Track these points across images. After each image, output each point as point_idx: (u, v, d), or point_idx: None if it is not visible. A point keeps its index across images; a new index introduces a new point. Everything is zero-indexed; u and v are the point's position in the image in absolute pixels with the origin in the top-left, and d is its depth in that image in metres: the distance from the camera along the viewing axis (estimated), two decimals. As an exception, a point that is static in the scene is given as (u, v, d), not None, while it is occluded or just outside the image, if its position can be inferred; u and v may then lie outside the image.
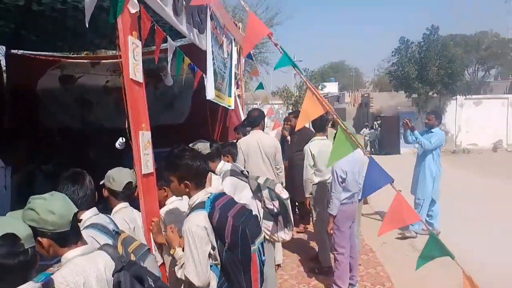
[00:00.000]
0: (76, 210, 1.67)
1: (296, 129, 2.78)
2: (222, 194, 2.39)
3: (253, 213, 2.39)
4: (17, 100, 6.94)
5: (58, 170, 4.88)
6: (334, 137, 4.42)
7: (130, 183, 2.50)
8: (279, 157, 4.69)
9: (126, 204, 2.51)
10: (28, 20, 5.25)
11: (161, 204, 2.66)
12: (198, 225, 2.14)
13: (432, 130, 6.35)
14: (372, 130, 21.37)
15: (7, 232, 1.31)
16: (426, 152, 6.34)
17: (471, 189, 10.37)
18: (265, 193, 3.33)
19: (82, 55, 8.71)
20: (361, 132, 20.29)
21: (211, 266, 2.20)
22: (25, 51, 7.11)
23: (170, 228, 2.38)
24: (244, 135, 5.92)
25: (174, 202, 2.67)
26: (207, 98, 4.42)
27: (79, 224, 1.73)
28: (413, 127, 6.21)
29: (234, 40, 5.98)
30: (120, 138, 5.20)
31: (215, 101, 4.87)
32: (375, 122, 21.99)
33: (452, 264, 2.07)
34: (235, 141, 4.86)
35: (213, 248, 2.19)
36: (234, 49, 5.99)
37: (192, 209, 2.26)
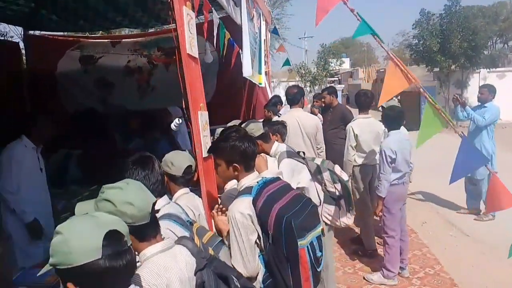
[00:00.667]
0: (154, 199, 1.51)
1: (380, 104, 2.54)
2: (275, 179, 2.15)
3: (311, 203, 2.11)
4: (36, 82, 6.78)
5: (89, 155, 4.75)
6: (383, 116, 4.23)
7: (190, 167, 2.32)
8: (320, 136, 4.48)
9: (187, 189, 2.33)
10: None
11: (219, 189, 2.49)
12: (242, 213, 1.95)
13: (486, 104, 5.95)
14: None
15: (109, 229, 1.13)
16: (479, 129, 5.88)
17: (503, 165, 10.07)
18: (326, 175, 3.14)
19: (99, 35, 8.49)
20: (379, 108, 19.83)
21: (259, 255, 2.03)
22: (43, 32, 6.91)
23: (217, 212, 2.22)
24: (275, 113, 5.72)
25: (231, 184, 2.49)
26: (244, 75, 4.20)
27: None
28: (464, 103, 5.87)
29: (262, 14, 5.70)
30: (177, 119, 5.05)
31: (249, 79, 4.67)
32: (394, 98, 21.49)
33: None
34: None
35: (258, 237, 2.00)
36: (263, 23, 5.71)
37: (239, 194, 2.07)
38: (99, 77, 6.91)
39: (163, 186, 1.94)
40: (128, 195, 1.42)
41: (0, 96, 6.25)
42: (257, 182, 2.03)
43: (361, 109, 4.85)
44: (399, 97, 21.10)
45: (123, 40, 6.98)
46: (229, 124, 4.49)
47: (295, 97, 4.45)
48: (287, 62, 6.90)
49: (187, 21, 2.21)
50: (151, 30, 7.16)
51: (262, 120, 4.86)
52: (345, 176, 3.12)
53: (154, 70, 6.97)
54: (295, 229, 1.88)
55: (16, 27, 8.09)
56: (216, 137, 5.24)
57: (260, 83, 5.44)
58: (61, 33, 7.01)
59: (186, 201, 2.23)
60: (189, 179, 2.34)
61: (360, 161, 4.71)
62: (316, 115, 6.50)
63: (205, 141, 2.28)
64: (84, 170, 4.77)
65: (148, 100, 6.95)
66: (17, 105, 6.48)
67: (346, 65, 39.72)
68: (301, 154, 3.09)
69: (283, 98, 6.30)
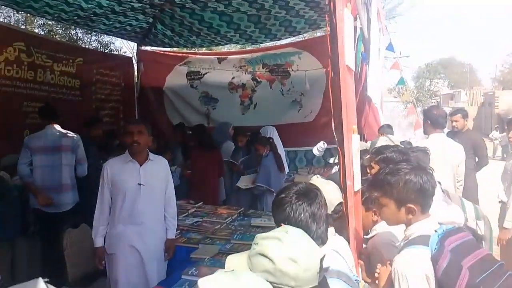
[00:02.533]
0: (321, 253, 1.17)
1: None
2: (457, 229, 1.66)
3: (505, 269, 1.55)
4: (146, 96, 7.09)
5: (196, 168, 4.68)
6: None
7: (340, 204, 1.94)
8: (462, 169, 3.84)
9: (332, 229, 1.96)
10: (166, 13, 5.19)
11: (366, 230, 2.10)
12: (416, 271, 1.51)
13: None
14: (504, 134, 18.75)
15: None
16: None
17: None
18: (469, 209, 2.62)
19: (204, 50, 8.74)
20: (490, 135, 17.90)
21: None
22: (154, 48, 7.24)
23: (381, 266, 1.79)
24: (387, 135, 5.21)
25: (383, 228, 2.07)
26: (368, 93, 3.82)
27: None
28: None
29: (381, 28, 5.27)
30: (321, 143, 4.87)
31: (371, 97, 4.28)
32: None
33: None
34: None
35: None
36: (382, 38, 5.28)
37: (408, 243, 1.63)
38: (204, 92, 7.02)
39: (327, 229, 1.59)
40: (290, 248, 1.11)
41: (113, 108, 6.64)
42: (435, 231, 1.59)
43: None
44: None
45: (229, 56, 7.03)
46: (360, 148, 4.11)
47: (437, 120, 3.86)
48: (401, 81, 6.33)
49: (347, 27, 1.88)
50: (280, 42, 7.07)
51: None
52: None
53: (257, 87, 6.91)
54: None
55: (129, 42, 8.70)
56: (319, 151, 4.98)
57: (375, 102, 5.03)
58: (171, 49, 7.28)
59: (333, 246, 1.86)
60: (336, 219, 1.96)
61: (504, 197, 3.97)
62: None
63: (357, 171, 1.93)
64: (191, 185, 4.72)
65: (249, 116, 6.90)
66: (127, 117, 6.81)
67: (441, 85, 37.08)
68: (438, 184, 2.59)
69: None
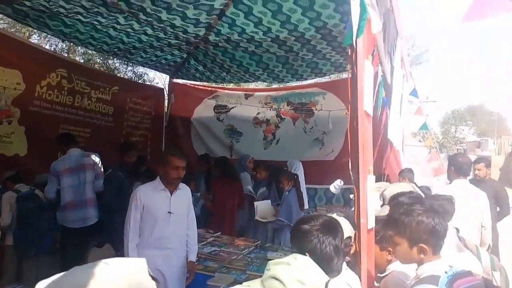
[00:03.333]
0: (326, 278, 1.30)
1: None
2: (467, 273, 1.71)
3: None
4: (175, 126, 7.38)
5: (217, 200, 4.80)
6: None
7: (349, 238, 2.06)
8: (487, 217, 3.78)
9: (344, 263, 2.04)
10: (200, 50, 5.50)
11: (381, 269, 2.15)
12: None
13: None
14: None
15: None
16: None
17: None
18: (485, 259, 2.61)
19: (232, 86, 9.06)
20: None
21: None
22: (185, 80, 7.59)
23: None
24: (411, 181, 5.21)
25: (398, 268, 2.12)
26: (388, 136, 3.92)
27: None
28: None
29: (405, 74, 5.42)
30: (338, 181, 5.01)
31: (391, 140, 4.37)
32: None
33: None
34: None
35: None
36: (406, 84, 5.41)
37: (418, 282, 1.69)
38: (230, 125, 7.27)
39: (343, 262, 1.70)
40: (298, 272, 1.25)
41: (142, 135, 6.93)
42: (446, 272, 1.65)
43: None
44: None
45: (256, 93, 7.31)
46: (377, 186, 4.17)
47: (462, 167, 3.88)
48: (424, 126, 6.39)
49: (367, 76, 2.04)
50: (305, 82, 7.30)
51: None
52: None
53: (281, 123, 7.11)
54: None
55: (162, 74, 9.11)
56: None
57: (396, 145, 5.09)
58: (201, 83, 7.62)
59: (345, 278, 1.94)
60: (346, 253, 2.05)
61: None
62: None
63: (371, 209, 2.02)
64: (211, 214, 4.82)
65: (271, 151, 7.07)
66: (155, 145, 7.08)
67: (467, 132, 36.50)
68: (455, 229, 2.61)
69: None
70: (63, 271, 0.91)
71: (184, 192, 3.15)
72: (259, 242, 4.28)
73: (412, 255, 1.74)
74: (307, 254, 1.55)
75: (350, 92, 2.04)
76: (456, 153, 4.73)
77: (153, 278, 0.98)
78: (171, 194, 3.02)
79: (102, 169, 4.40)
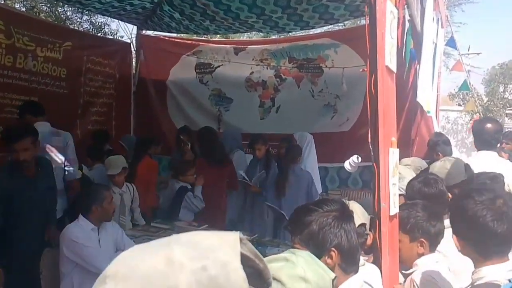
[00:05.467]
0: (332, 274, 1.34)
1: None
2: None
3: None
4: (145, 90, 7.32)
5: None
6: None
7: (363, 225, 2.12)
8: None
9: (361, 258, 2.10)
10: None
11: (408, 264, 2.20)
12: None
13: None
14: None
15: None
16: None
17: None
18: None
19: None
20: None
21: None
22: (157, 32, 7.50)
23: None
24: (444, 155, 5.26)
25: (428, 264, 2.16)
26: (417, 99, 3.92)
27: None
28: None
29: (440, 19, 5.37)
30: (355, 157, 5.01)
31: (421, 104, 4.38)
32: None
33: None
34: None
35: None
36: (440, 31, 5.37)
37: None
38: (216, 90, 7.22)
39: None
40: (299, 268, 1.28)
41: (104, 104, 6.89)
42: (509, 281, 1.67)
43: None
44: None
45: (249, 46, 7.23)
46: (405, 162, 4.20)
47: (493, 137, 3.92)
48: (465, 86, 6.35)
49: (389, 22, 2.01)
50: (312, 32, 7.17)
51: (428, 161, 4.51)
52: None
53: (281, 85, 7.05)
54: None
55: (127, 25, 8.95)
56: None
57: (429, 111, 5.09)
58: (178, 35, 7.53)
59: (364, 276, 1.98)
60: (361, 244, 2.09)
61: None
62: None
63: (393, 191, 2.04)
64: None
65: (270, 122, 7.04)
66: (121, 117, 7.06)
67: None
68: None
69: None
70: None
71: None
72: (256, 236, 4.35)
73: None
74: (334, 251, 1.62)
75: (368, 42, 2.03)
76: (482, 119, 4.76)
77: None
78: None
79: (75, 154, 4.41)
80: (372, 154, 2.03)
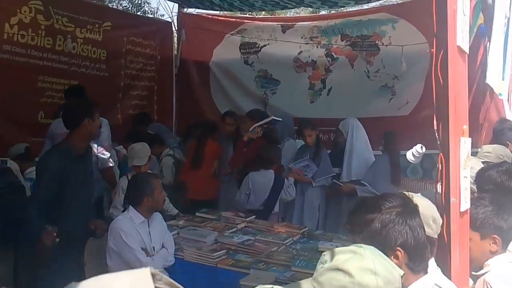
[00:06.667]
0: (400, 271, 1.39)
1: None
2: None
3: None
4: (187, 73, 7.39)
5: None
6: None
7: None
8: None
9: (432, 260, 2.05)
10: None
11: (479, 264, 2.15)
12: None
13: None
14: None
15: None
16: None
17: None
18: None
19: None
20: None
21: None
22: (199, 10, 7.54)
23: None
24: (512, 142, 5.10)
25: (503, 264, 2.11)
26: (486, 81, 3.81)
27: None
28: None
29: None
30: (419, 146, 4.94)
31: (492, 86, 4.26)
32: None
33: None
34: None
35: None
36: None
37: None
38: (262, 71, 7.21)
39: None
40: (367, 260, 1.32)
41: (145, 88, 7.01)
42: None
43: None
44: None
45: (298, 23, 7.16)
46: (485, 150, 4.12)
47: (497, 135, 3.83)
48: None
49: (462, -1, 1.93)
50: (367, 6, 7.03)
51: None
52: None
53: (333, 65, 6.96)
54: None
55: (168, 2, 9.02)
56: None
57: (500, 94, 4.94)
58: (221, 12, 7.53)
59: (435, 279, 1.94)
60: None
61: None
62: None
63: (464, 185, 1.98)
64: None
65: (321, 105, 6.98)
66: (163, 101, 7.17)
67: None
68: None
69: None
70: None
71: None
72: (307, 228, 4.35)
73: None
74: (399, 251, 1.61)
75: (436, 17, 1.96)
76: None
77: None
78: None
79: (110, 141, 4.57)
80: (438, 143, 1.98)
